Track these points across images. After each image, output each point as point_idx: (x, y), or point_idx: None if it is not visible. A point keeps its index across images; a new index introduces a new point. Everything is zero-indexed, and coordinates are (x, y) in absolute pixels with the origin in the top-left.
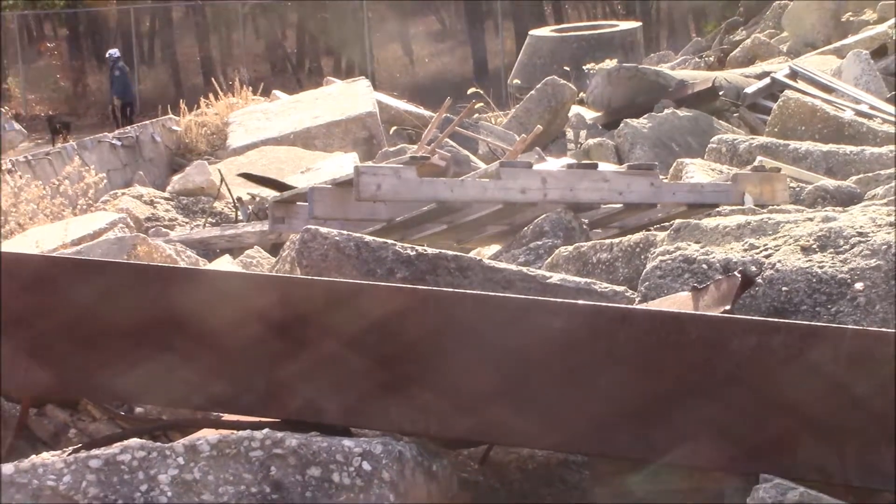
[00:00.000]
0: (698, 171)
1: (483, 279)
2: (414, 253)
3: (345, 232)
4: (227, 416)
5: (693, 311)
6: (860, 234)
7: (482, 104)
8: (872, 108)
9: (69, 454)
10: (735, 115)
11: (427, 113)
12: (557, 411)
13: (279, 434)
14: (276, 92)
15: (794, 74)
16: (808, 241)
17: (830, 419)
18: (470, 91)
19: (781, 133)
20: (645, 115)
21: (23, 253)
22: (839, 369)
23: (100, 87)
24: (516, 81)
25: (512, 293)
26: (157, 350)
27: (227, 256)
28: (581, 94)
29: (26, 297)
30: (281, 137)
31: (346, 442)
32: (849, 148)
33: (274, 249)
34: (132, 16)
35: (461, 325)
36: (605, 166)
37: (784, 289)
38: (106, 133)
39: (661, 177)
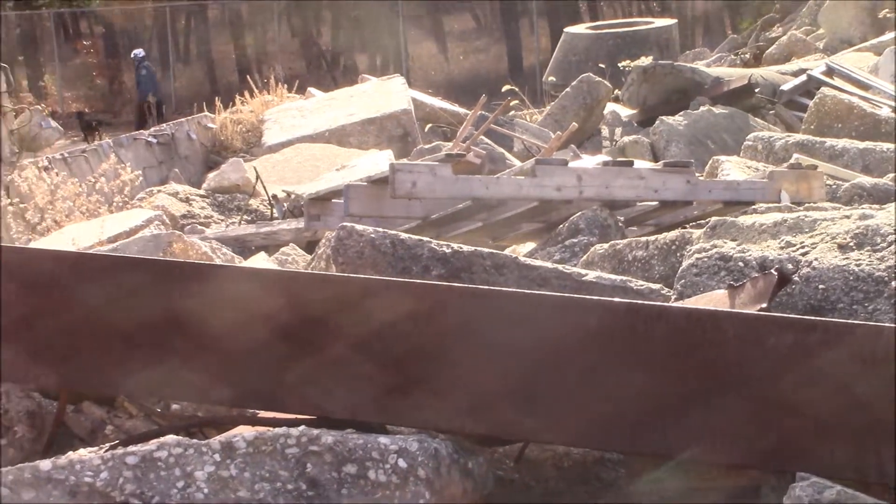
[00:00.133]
0: (734, 169)
1: (518, 277)
2: (449, 250)
3: (380, 229)
4: (263, 414)
5: (729, 309)
6: None
7: (517, 101)
8: None
9: (106, 451)
10: (771, 112)
11: (462, 110)
12: (593, 408)
13: (315, 431)
14: (312, 89)
15: (830, 71)
16: (845, 238)
17: (866, 417)
18: (505, 88)
19: (818, 130)
20: (680, 113)
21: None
22: (876, 367)
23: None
24: (551, 79)
25: (547, 291)
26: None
27: (262, 254)
28: (616, 92)
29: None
30: (316, 135)
31: (382, 439)
32: (886, 145)
33: (309, 247)
34: (168, 14)
35: (497, 322)
36: (640, 164)
37: (821, 287)
38: (142, 131)
39: (696, 174)
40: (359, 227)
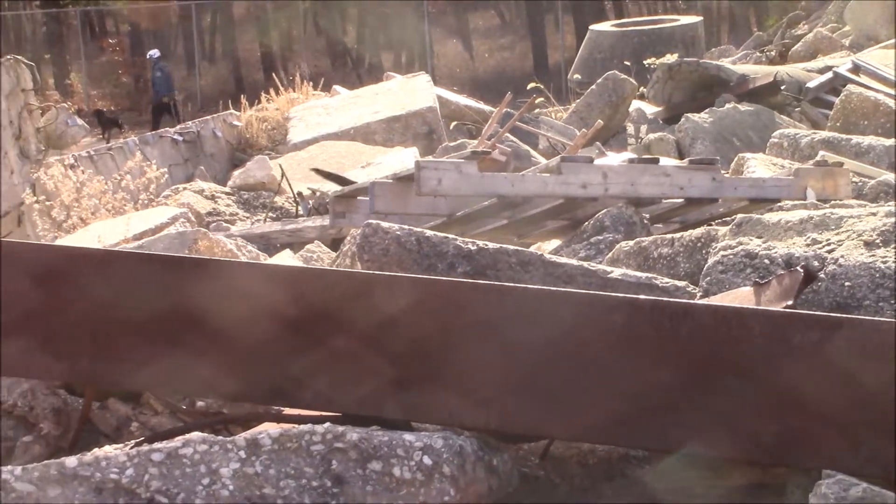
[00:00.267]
0: (760, 166)
1: (544, 274)
2: (475, 247)
3: (406, 226)
4: (288, 411)
5: (755, 307)
6: None
7: (542, 99)
8: None
9: (131, 447)
10: (797, 109)
11: (487, 108)
12: (619, 405)
13: (340, 428)
14: (337, 87)
15: (856, 69)
16: (871, 235)
17: (893, 415)
18: (530, 86)
19: (844, 127)
20: (706, 110)
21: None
22: None
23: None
24: (576, 76)
25: (573, 288)
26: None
27: (287, 251)
28: (642, 89)
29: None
30: (341, 132)
31: (407, 436)
32: None
33: (334, 244)
34: (193, 11)
35: (522, 319)
36: (666, 161)
37: (847, 284)
38: (167, 129)
39: (722, 171)
40: (384, 224)
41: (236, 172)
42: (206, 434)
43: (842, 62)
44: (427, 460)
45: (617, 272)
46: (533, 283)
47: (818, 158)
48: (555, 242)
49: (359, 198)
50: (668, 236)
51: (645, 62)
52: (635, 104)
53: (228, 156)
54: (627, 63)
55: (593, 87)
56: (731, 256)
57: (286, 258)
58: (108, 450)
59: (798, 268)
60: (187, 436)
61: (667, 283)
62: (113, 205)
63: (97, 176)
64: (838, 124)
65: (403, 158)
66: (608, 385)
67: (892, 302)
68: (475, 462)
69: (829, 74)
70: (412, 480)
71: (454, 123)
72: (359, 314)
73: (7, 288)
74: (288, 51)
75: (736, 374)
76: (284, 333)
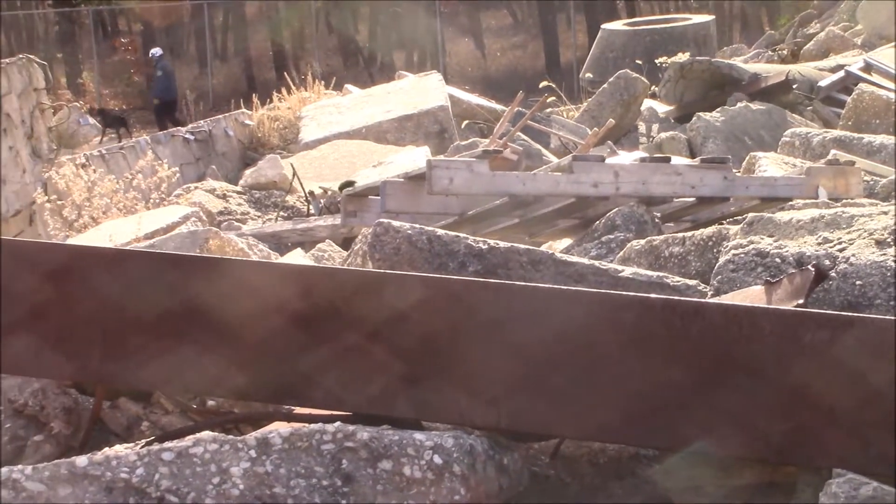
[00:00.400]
0: (771, 165)
1: (555, 273)
2: (486, 246)
3: (417, 225)
4: (298, 410)
5: (766, 306)
6: None
7: (554, 98)
8: None
9: (142, 446)
10: (809, 108)
11: (499, 107)
12: (629, 404)
13: (351, 427)
14: (349, 86)
15: (868, 67)
16: (883, 234)
17: None
18: (542, 85)
19: (855, 126)
20: (718, 109)
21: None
22: None
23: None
24: (588, 75)
25: (584, 287)
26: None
27: (299, 250)
28: (653, 88)
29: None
30: (353, 131)
31: (418, 435)
32: None
33: (346, 243)
34: (205, 10)
35: (533, 318)
36: (677, 160)
37: (858, 283)
38: (179, 127)
39: (734, 170)
40: (395, 223)
41: (248, 171)
42: (216, 433)
43: (854, 61)
44: (437, 459)
45: (628, 271)
46: (544, 282)
47: (830, 157)
48: (566, 241)
49: (370, 197)
50: (680, 235)
51: (657, 61)
52: (647, 103)
53: (240, 155)
54: (639, 62)
55: (605, 85)
56: (743, 255)
57: (297, 257)
58: (119, 449)
59: (809, 267)
60: (198, 435)
61: (678, 281)
62: (124, 204)
63: (109, 175)
64: (850, 123)
65: (415, 157)
66: (619, 384)
67: None
68: (486, 461)
69: (841, 73)
70: (422, 479)
71: (466, 122)
72: (370, 313)
73: (18, 287)
74: (300, 50)
75: (747, 372)
76: (295, 332)
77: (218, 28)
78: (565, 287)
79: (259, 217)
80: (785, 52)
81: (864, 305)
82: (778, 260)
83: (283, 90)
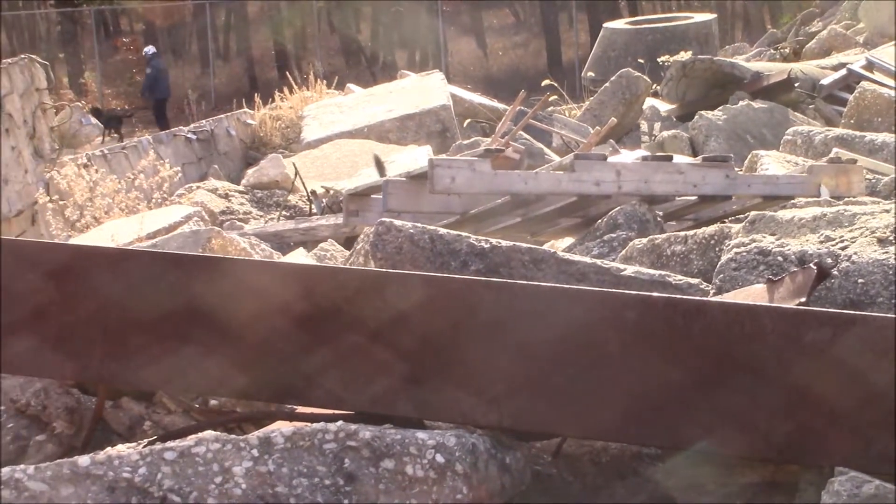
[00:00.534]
0: (773, 163)
1: (557, 271)
2: (488, 245)
3: (419, 225)
4: (300, 409)
5: (768, 304)
6: None
7: (556, 97)
8: None
9: (144, 446)
10: (811, 106)
11: (501, 106)
12: (631, 403)
13: (353, 426)
14: (351, 85)
15: (870, 66)
16: (885, 232)
17: None
18: (544, 84)
19: (857, 124)
20: (720, 108)
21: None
22: None
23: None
24: (590, 74)
25: (586, 286)
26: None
27: (301, 249)
28: (655, 87)
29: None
30: (355, 131)
31: (420, 434)
32: None
33: (348, 242)
34: (208, 10)
35: (534, 317)
36: (679, 158)
37: (860, 281)
38: (181, 126)
39: (736, 169)
40: (397, 222)
41: (250, 171)
42: (218, 433)
43: (856, 59)
44: (440, 458)
45: (630, 270)
46: (546, 281)
47: (832, 155)
48: (568, 240)
49: (372, 196)
50: (682, 234)
51: (659, 60)
52: (649, 102)
53: (242, 154)
54: (641, 61)
55: (607, 84)
56: (745, 254)
57: (300, 256)
58: (121, 449)
59: (811, 265)
60: (200, 434)
61: (680, 280)
62: (126, 204)
63: (111, 175)
64: (852, 121)
65: (417, 157)
66: (621, 383)
67: None
68: (488, 460)
69: (843, 71)
70: (425, 479)
71: (468, 121)
72: (372, 312)
73: (20, 287)
74: (302, 49)
75: (749, 371)
76: (297, 332)
77: (220, 28)
78: (567, 286)
79: (261, 216)
80: (787, 50)
81: (866, 304)
82: (780, 258)
83: (286, 89)
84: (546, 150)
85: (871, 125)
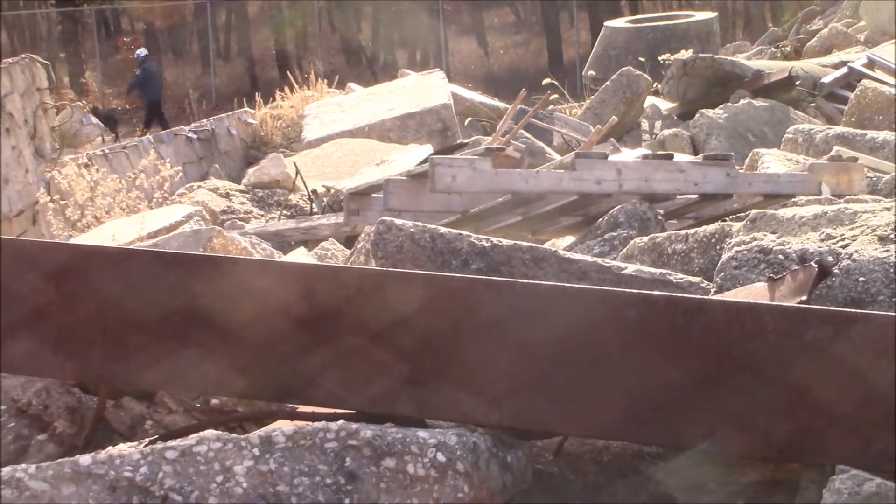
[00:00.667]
0: (774, 162)
1: (558, 270)
2: (489, 244)
3: (420, 224)
4: (302, 408)
5: (769, 302)
6: None
7: (557, 95)
8: None
9: (145, 445)
10: (811, 104)
11: (502, 104)
12: (632, 402)
13: (354, 425)
14: (351, 84)
15: (871, 64)
16: (886, 230)
17: None
18: (545, 82)
19: (858, 123)
20: (721, 106)
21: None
22: None
23: (175, 81)
24: (591, 73)
25: (587, 284)
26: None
27: (302, 249)
28: (656, 85)
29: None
30: (356, 130)
31: (421, 433)
32: None
33: (349, 242)
34: (208, 10)
35: (535, 316)
36: (680, 157)
37: (861, 279)
38: (182, 126)
39: (736, 167)
40: (398, 221)
41: (251, 170)
42: (220, 432)
43: (857, 57)
44: (441, 457)
45: (631, 268)
46: (547, 280)
47: (833, 154)
48: (569, 239)
49: (373, 195)
50: (683, 232)
51: (659, 58)
52: (650, 100)
53: (243, 154)
54: (642, 59)
55: (608, 83)
56: (746, 252)
57: (301, 256)
58: (123, 448)
59: (812, 263)
60: (201, 434)
61: (681, 279)
62: (127, 203)
63: (111, 175)
64: (853, 119)
65: (418, 156)
66: (622, 381)
67: None
68: (489, 459)
69: (844, 70)
70: (426, 477)
71: (469, 120)
72: (373, 311)
73: (20, 286)
74: (303, 48)
75: (750, 369)
76: (297, 331)
77: (221, 27)
78: (568, 285)
79: (262, 216)
80: (788, 48)
81: (867, 302)
82: (781, 257)
83: (286, 89)
84: (547, 148)
85: (871, 123)
